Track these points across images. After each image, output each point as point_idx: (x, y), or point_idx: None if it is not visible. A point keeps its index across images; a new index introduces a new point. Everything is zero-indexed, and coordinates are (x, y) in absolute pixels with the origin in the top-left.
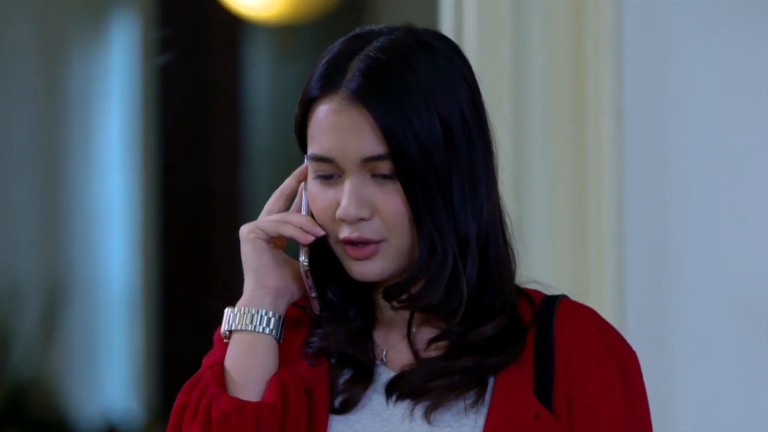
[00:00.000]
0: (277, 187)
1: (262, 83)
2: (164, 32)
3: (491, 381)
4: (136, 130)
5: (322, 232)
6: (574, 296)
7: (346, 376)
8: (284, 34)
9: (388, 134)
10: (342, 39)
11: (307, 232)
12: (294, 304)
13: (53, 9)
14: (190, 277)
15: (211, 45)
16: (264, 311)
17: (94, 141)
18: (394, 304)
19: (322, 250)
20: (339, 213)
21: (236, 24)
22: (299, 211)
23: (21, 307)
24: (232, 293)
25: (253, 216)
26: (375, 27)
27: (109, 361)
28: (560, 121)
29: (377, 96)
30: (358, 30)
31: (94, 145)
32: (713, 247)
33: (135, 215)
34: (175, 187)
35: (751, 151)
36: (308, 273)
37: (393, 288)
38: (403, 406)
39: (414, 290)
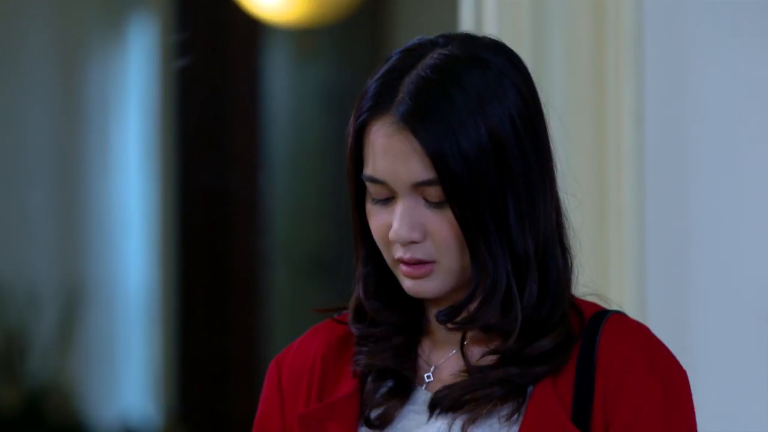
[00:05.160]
0: (294, 190)
1: (281, 86)
2: (182, 35)
3: (530, 393)
4: (154, 134)
5: None
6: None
7: (384, 389)
8: (302, 36)
9: (436, 160)
10: (397, 51)
11: None
12: (338, 321)
13: (71, 12)
14: (207, 280)
15: (230, 48)
16: None
17: (112, 144)
18: (448, 326)
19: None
20: (391, 235)
21: (254, 27)
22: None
23: (38, 311)
24: (249, 296)
25: (271, 220)
26: (431, 38)
27: (126, 365)
28: (581, 125)
29: (425, 121)
30: (415, 41)
31: (112, 149)
32: (734, 251)
33: (153, 219)
34: (193, 191)
35: None
36: None
37: (445, 312)
38: (438, 425)
39: (468, 311)
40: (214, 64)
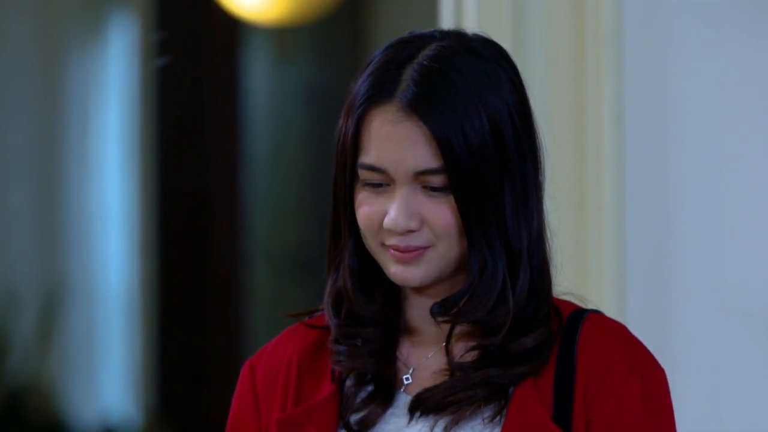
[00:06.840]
0: (274, 189)
1: (261, 85)
2: (162, 34)
3: (511, 394)
4: (134, 133)
5: None
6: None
7: (364, 393)
8: (283, 35)
9: (443, 147)
10: (390, 43)
11: None
12: (309, 325)
13: (51, 11)
14: (187, 280)
15: (210, 47)
16: None
17: (92, 143)
18: (439, 320)
19: (367, 256)
20: (387, 224)
21: (235, 26)
22: None
23: (18, 310)
24: (230, 296)
25: (251, 219)
26: (426, 31)
27: (107, 364)
28: (560, 125)
29: (432, 107)
30: (407, 34)
31: (92, 148)
32: (715, 251)
33: (133, 218)
34: (173, 190)
35: (753, 155)
36: None
37: (440, 304)
38: (419, 427)
39: (458, 305)
40: (194, 63)
